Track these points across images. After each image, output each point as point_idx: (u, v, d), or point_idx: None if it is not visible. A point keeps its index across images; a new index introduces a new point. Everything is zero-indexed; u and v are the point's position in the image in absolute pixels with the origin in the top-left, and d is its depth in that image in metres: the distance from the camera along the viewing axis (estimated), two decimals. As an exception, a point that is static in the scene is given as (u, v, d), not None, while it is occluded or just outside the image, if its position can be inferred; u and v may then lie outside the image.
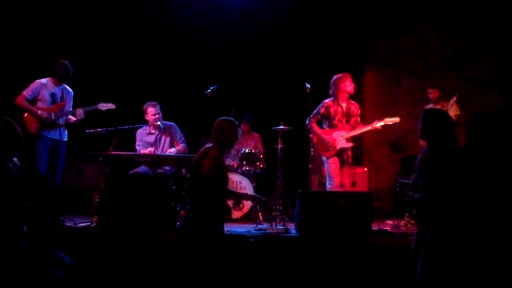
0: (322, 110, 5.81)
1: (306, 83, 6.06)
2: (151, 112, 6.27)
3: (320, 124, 5.90)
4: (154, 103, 6.30)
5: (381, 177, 7.53)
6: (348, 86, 5.76)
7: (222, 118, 3.96)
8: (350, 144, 5.77)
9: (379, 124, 5.70)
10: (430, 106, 6.35)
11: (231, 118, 3.99)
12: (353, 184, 6.31)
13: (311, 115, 5.86)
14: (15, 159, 3.50)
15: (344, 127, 5.78)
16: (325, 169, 5.85)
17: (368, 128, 5.74)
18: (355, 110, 5.82)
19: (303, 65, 7.56)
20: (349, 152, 5.80)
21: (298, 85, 6.27)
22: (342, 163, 5.78)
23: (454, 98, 6.09)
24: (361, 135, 6.08)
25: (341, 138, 5.73)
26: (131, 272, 4.64)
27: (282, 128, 6.38)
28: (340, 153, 5.75)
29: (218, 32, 7.89)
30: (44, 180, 5.29)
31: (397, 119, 5.70)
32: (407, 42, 8.03)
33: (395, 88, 8.07)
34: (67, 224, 5.50)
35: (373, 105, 8.06)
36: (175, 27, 7.88)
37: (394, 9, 7.91)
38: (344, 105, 5.80)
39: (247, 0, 7.77)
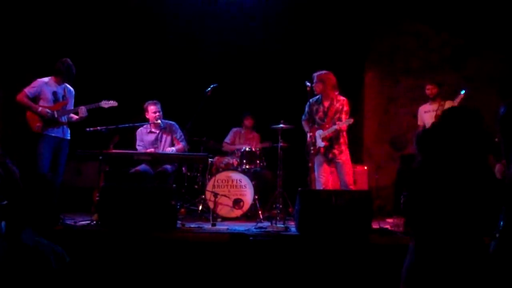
0: (307, 109, 5.93)
1: (306, 82, 6.07)
2: (152, 110, 6.28)
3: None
4: (155, 101, 6.33)
5: (381, 175, 7.55)
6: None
7: None
8: (323, 144, 5.69)
9: (340, 125, 5.59)
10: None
11: None
12: (354, 182, 6.30)
13: (303, 114, 5.97)
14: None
15: (324, 126, 5.75)
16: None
17: (334, 128, 5.62)
18: (340, 107, 5.72)
19: (303, 63, 7.55)
20: (334, 151, 5.69)
21: (298, 84, 6.28)
22: (329, 161, 5.74)
23: (462, 96, 6.09)
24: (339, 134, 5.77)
25: (319, 137, 5.75)
26: (131, 271, 4.64)
27: (282, 127, 6.40)
28: (325, 152, 5.72)
29: (218, 31, 7.89)
30: (45, 178, 5.28)
31: (351, 120, 5.59)
32: (406, 41, 8.03)
33: (395, 87, 8.08)
34: (67, 222, 5.49)
35: (372, 103, 8.08)
36: (175, 25, 7.88)
37: (394, 8, 7.91)
38: (327, 103, 5.79)
39: (246, -1, 7.79)
